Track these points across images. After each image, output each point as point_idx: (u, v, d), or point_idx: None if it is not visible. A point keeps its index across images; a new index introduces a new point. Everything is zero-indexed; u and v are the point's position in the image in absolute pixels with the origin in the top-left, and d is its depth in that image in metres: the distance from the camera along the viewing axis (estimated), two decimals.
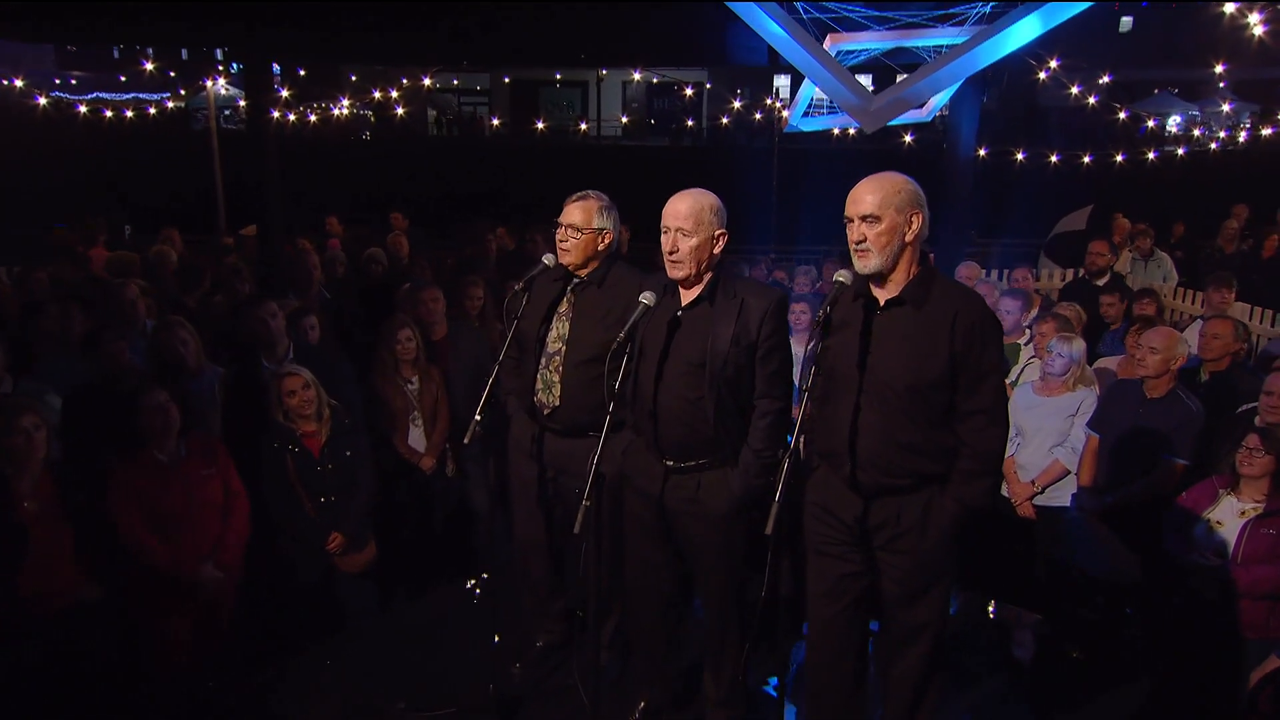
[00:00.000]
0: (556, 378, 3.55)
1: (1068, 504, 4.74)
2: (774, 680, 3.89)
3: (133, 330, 5.20)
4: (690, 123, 21.15)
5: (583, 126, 24.90)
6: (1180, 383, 4.60)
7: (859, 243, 2.84)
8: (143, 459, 4.04)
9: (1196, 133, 21.70)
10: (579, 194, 3.57)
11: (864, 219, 2.82)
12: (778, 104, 13.35)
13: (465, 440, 3.29)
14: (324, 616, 4.48)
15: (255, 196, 7.41)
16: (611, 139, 30.62)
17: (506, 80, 36.01)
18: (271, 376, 4.53)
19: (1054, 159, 11.53)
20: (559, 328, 3.58)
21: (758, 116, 15.21)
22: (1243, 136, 13.01)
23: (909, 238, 2.84)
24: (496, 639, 4.14)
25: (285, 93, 8.68)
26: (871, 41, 6.82)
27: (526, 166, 21.28)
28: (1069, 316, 5.65)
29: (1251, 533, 3.96)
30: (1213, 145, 13.46)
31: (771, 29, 6.21)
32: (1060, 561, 4.25)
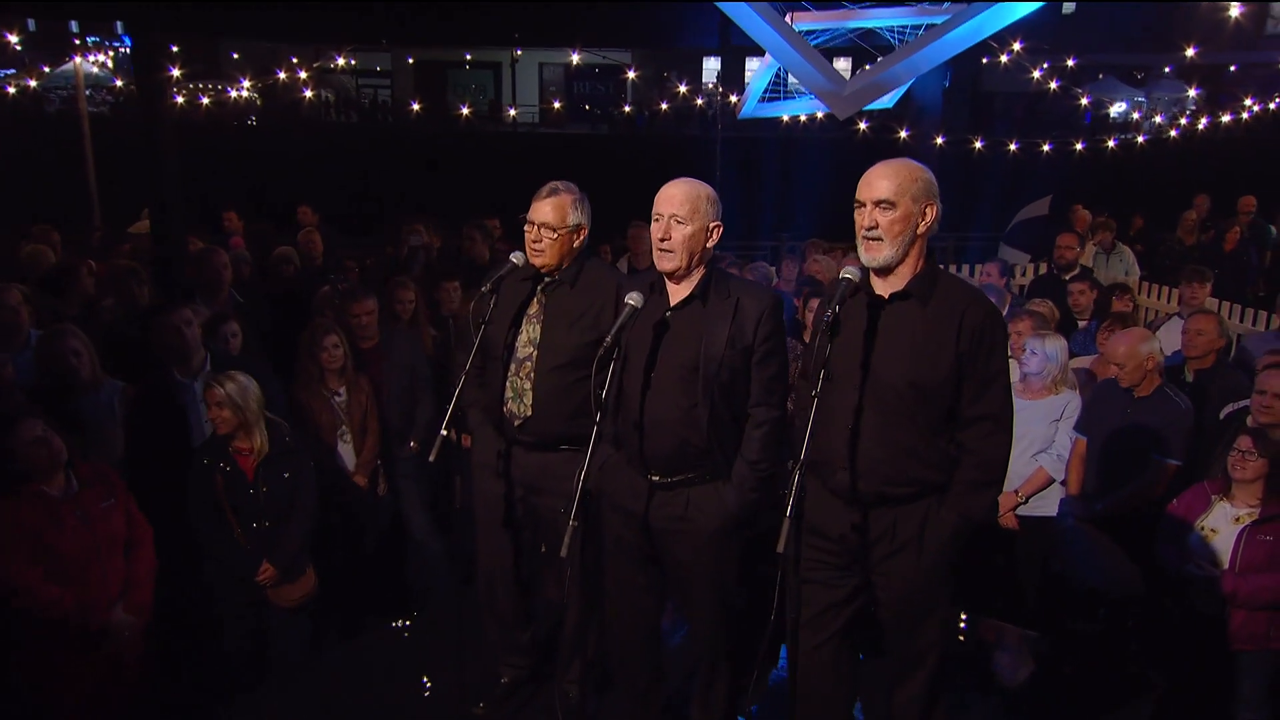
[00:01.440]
0: (528, 385, 3.51)
1: (1053, 514, 4.87)
2: (755, 709, 3.93)
3: (15, 342, 4.97)
4: (628, 108, 21.11)
5: (512, 112, 24.73)
6: (1167, 379, 4.76)
7: (870, 229, 2.86)
8: (27, 496, 3.80)
9: (1158, 119, 22.63)
10: (548, 188, 3.52)
11: (878, 204, 2.85)
12: (720, 89, 13.48)
13: (430, 458, 3.22)
14: (251, 658, 4.37)
15: (149, 188, 7.12)
16: (528, 126, 30.53)
17: (410, 61, 35.58)
18: (203, 386, 4.38)
19: (1013, 147, 11.88)
20: (529, 331, 3.55)
21: (699, 102, 15.32)
22: (1203, 123, 13.61)
23: (920, 229, 2.88)
24: (427, 684, 4.11)
25: (177, 71, 8.38)
26: (833, 22, 6.93)
27: (436, 155, 21.07)
28: (1043, 313, 5.82)
29: (1248, 540, 4.08)
30: (1172, 132, 14.04)
31: (739, 10, 6.25)
32: (1059, 574, 4.37)
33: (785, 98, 8.51)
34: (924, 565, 2.96)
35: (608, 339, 2.92)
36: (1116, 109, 25.89)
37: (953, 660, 3.86)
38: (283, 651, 4.49)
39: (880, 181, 2.86)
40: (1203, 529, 4.24)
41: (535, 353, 3.53)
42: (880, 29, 6.98)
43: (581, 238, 3.55)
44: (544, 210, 3.48)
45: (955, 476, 2.93)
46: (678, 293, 3.20)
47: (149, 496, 4.20)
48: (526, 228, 3.52)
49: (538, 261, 3.51)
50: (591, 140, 27.44)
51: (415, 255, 7.69)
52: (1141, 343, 4.72)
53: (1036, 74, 11.69)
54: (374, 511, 5.26)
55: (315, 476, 4.58)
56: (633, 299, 3.06)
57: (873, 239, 2.88)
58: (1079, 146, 12.03)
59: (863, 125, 11.60)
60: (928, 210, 2.88)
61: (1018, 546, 4.98)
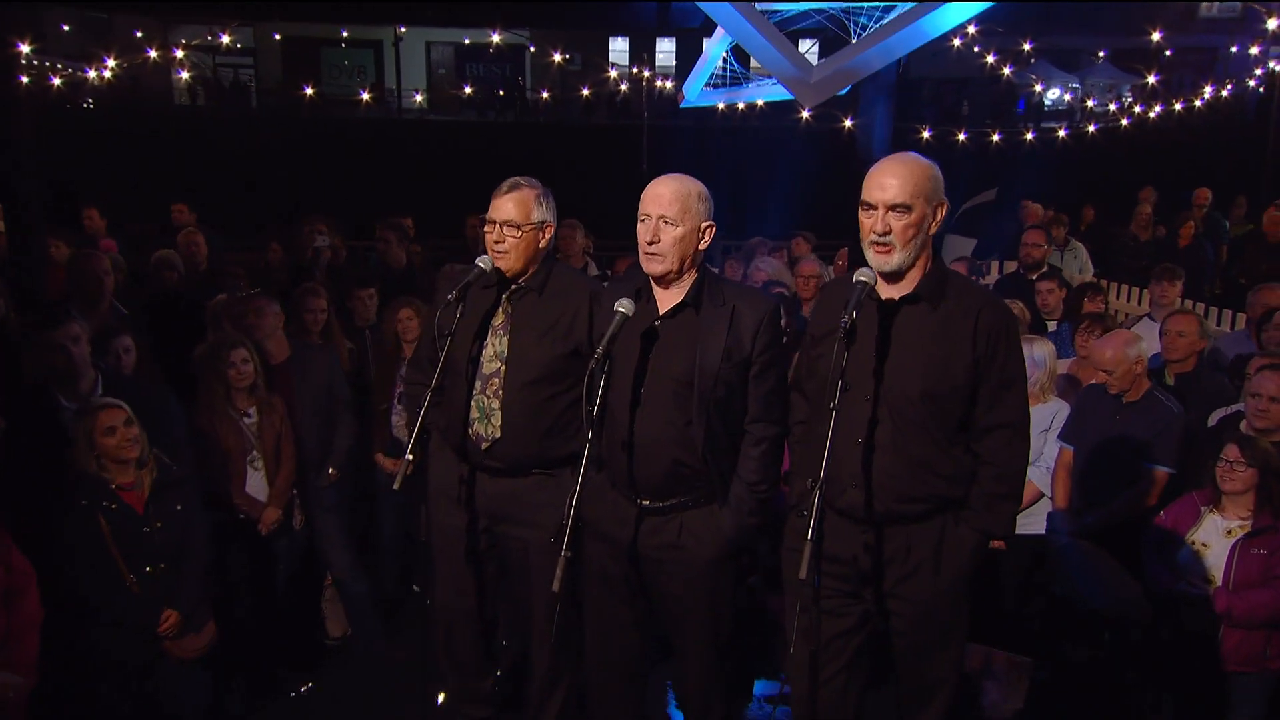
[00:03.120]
0: (496, 404, 3.51)
1: (1041, 530, 5.01)
2: None
3: None
4: (545, 94, 21.00)
5: (418, 98, 24.42)
6: (1156, 382, 4.95)
7: (883, 235, 2.93)
8: None
9: (1090, 103, 23.56)
10: (508, 183, 3.54)
11: (892, 208, 2.92)
12: (646, 73, 13.56)
13: (395, 486, 3.17)
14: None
15: None
16: (415, 112, 30.23)
17: (277, 37, 34.84)
18: (77, 415, 4.23)
19: (961, 137, 12.25)
20: (495, 344, 3.54)
21: (624, 88, 15.41)
22: (1157, 110, 14.26)
23: (931, 230, 2.97)
24: None
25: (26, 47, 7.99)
26: (798, 2, 7.04)
27: (313, 145, 20.70)
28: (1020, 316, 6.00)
29: (1241, 554, 4.25)
30: (1124, 121, 14.69)
31: None
32: (1057, 595, 4.50)
33: (734, 84, 8.62)
34: (941, 587, 3.04)
35: (599, 349, 2.94)
36: (1051, 95, 26.93)
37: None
38: (177, 714, 4.37)
39: (892, 182, 2.93)
40: (1193, 543, 4.39)
41: (503, 368, 3.52)
42: (837, 10, 7.13)
43: (548, 236, 3.57)
44: (505, 207, 3.49)
45: (973, 490, 3.03)
46: (667, 299, 3.23)
47: (33, 539, 4.01)
48: (487, 228, 3.51)
49: (502, 264, 3.51)
50: (494, 130, 27.33)
51: (318, 259, 7.54)
52: (1129, 345, 4.88)
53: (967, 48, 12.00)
54: (288, 549, 5.17)
55: (206, 507, 4.51)
56: (623, 306, 3.08)
57: (884, 245, 2.95)
58: (1029, 136, 12.47)
59: (805, 114, 11.81)
60: (939, 210, 2.98)
61: (1003, 566, 5.11)
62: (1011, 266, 9.36)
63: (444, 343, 3.41)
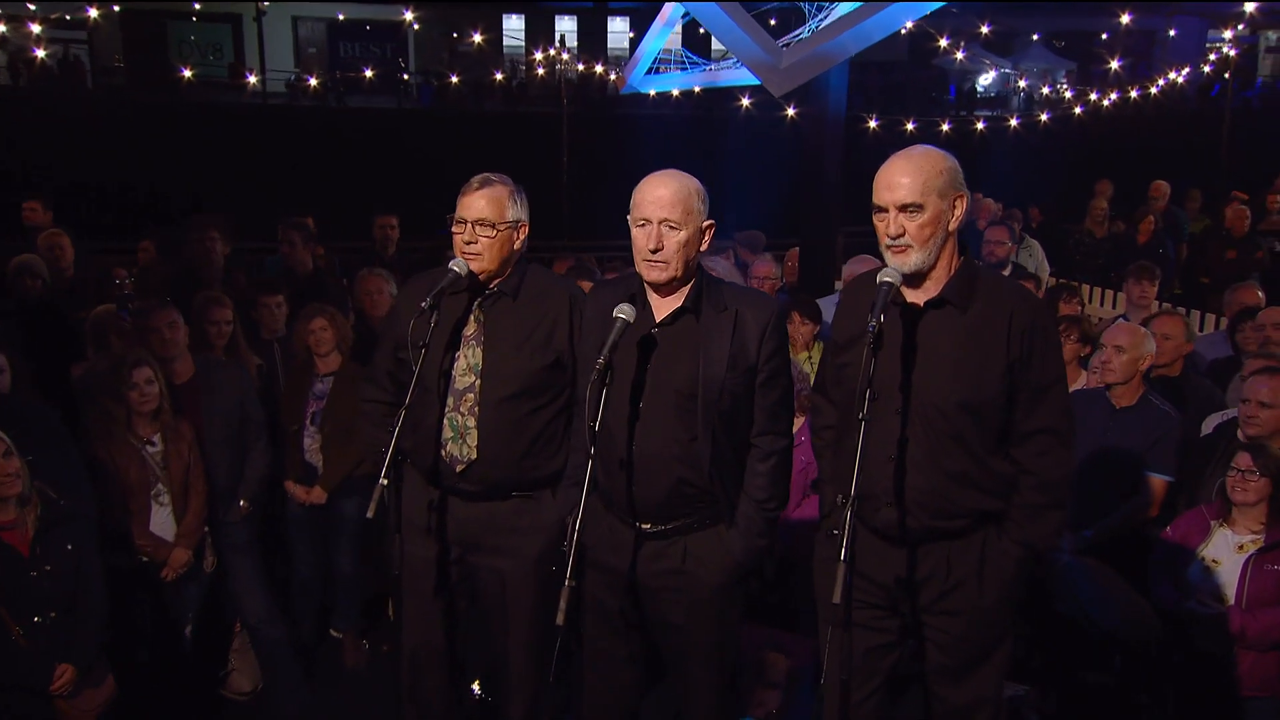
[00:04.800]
0: (472, 422, 3.53)
1: None
2: None
3: None
4: (454, 78, 20.84)
5: (253, 79, 24.03)
6: (1150, 386, 5.13)
7: (896, 238, 3.01)
8: None
9: (1022, 83, 24.28)
10: (479, 179, 3.56)
11: (903, 209, 3.00)
12: (564, 55, 13.56)
13: (369, 514, 3.15)
14: None
15: None
16: (281, 97, 29.75)
17: (116, 9, 33.87)
18: None
19: (910, 126, 12.54)
20: (468, 356, 3.57)
21: (540, 71, 15.40)
22: (1096, 98, 14.76)
23: (952, 226, 3.05)
24: None
25: None
26: None
27: (164, 133, 20.26)
28: None
29: (1254, 571, 4.40)
30: (1077, 109, 15.20)
31: None
32: (1066, 618, 4.63)
33: (681, 68, 8.69)
34: (985, 605, 3.12)
35: (600, 359, 2.96)
36: (984, 80, 27.74)
37: None
38: None
39: (902, 180, 3.01)
40: (1203, 560, 4.54)
41: (478, 382, 3.55)
42: None
43: (522, 236, 3.61)
44: (477, 205, 3.51)
45: (1014, 501, 3.11)
46: (664, 305, 3.27)
47: None
48: (456, 228, 3.53)
49: (476, 266, 3.54)
50: (378, 118, 26.98)
51: (205, 261, 7.37)
52: (1145, 337, 5.05)
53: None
54: (197, 594, 5.11)
55: (101, 548, 4.44)
56: (623, 312, 3.11)
57: (899, 245, 3.03)
58: (979, 125, 12.85)
59: (745, 101, 12.00)
60: (957, 204, 3.05)
61: None
62: None
63: (418, 355, 3.39)
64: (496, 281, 3.59)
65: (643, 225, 3.20)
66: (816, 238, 8.16)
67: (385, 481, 3.18)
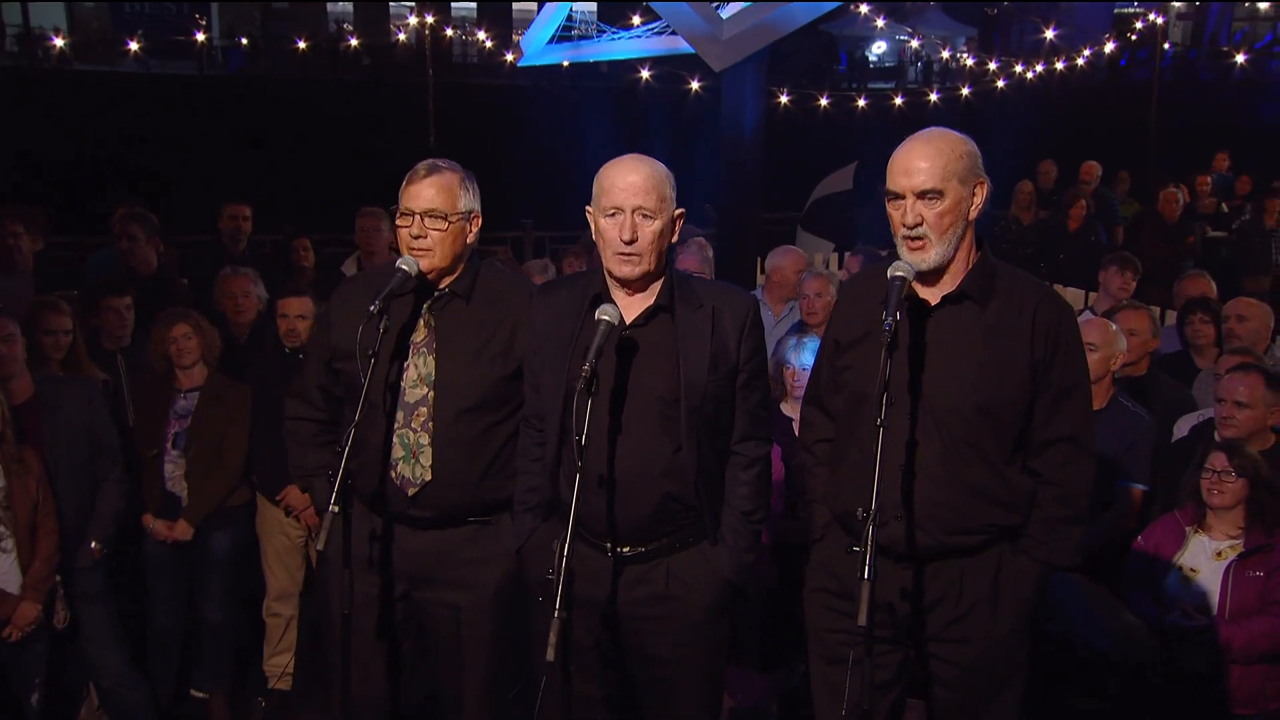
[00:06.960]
0: (426, 438, 3.55)
1: None
2: None
3: None
4: (242, 40, 20.38)
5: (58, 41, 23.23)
6: (1119, 386, 5.33)
7: (914, 227, 3.13)
8: None
9: (946, 53, 24.94)
10: (426, 165, 3.58)
11: (921, 196, 3.11)
12: (429, 20, 13.41)
13: (320, 546, 3.15)
14: None
15: None
16: (52, 61, 28.79)
17: None
18: None
19: (824, 102, 12.78)
20: (419, 365, 3.58)
21: (401, 37, 15.23)
22: (1035, 70, 15.22)
23: (972, 214, 3.18)
24: None
25: None
26: None
27: None
28: None
29: (1235, 578, 4.62)
30: (1000, 83, 15.66)
31: None
32: (1054, 637, 4.81)
33: (585, 39, 8.68)
34: (1000, 629, 3.25)
35: (585, 365, 2.99)
36: (878, 49, 28.46)
37: None
38: None
39: (919, 165, 3.12)
40: (1180, 569, 4.76)
41: (431, 394, 3.56)
42: None
43: (475, 229, 3.64)
44: (426, 194, 3.53)
45: (1033, 516, 3.24)
46: (634, 304, 3.33)
47: None
48: (402, 220, 3.55)
49: (426, 263, 3.55)
50: (173, 85, 26.27)
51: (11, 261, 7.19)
52: (1117, 335, 5.22)
53: None
54: (44, 654, 5.00)
55: None
56: (607, 314, 3.16)
57: (917, 239, 3.14)
58: (898, 100, 13.17)
59: (645, 74, 12.03)
60: (977, 190, 3.18)
61: None
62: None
63: (367, 366, 3.36)
64: (447, 280, 3.62)
65: (613, 215, 3.25)
66: (736, 228, 8.24)
67: (336, 509, 3.17)
